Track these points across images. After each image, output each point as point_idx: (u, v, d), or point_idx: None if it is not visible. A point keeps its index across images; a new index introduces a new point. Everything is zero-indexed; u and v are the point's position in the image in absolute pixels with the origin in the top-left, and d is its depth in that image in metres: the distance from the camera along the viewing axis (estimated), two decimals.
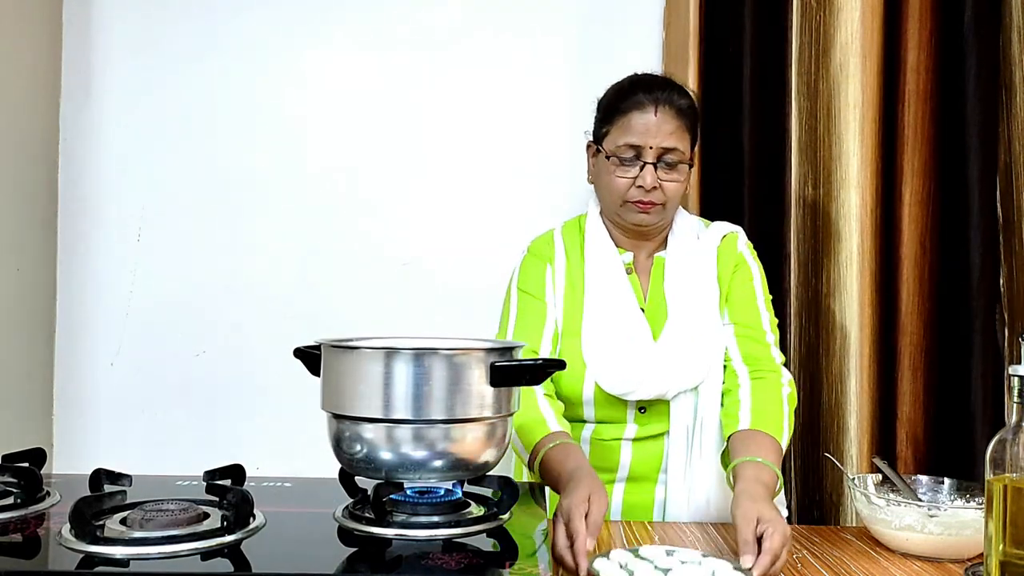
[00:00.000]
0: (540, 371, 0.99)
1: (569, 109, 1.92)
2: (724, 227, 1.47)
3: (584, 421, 1.41)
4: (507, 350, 0.99)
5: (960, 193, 1.69)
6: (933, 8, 1.70)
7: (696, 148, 1.44)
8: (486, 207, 1.92)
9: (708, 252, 1.43)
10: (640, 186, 1.34)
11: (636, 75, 1.44)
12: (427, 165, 1.93)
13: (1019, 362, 0.92)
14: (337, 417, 0.98)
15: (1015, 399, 0.91)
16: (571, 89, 1.93)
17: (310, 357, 1.03)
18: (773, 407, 1.32)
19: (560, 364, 0.99)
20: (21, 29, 1.76)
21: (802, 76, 1.73)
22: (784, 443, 1.29)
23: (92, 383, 1.91)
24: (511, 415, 1.02)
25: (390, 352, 0.95)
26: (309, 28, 1.93)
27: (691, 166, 1.40)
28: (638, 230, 1.42)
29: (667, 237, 1.46)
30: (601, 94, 1.45)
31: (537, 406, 1.31)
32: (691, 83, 1.76)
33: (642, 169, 1.34)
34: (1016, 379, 0.91)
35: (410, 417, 0.93)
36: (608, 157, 1.37)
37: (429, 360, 0.94)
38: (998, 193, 1.69)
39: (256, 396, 1.90)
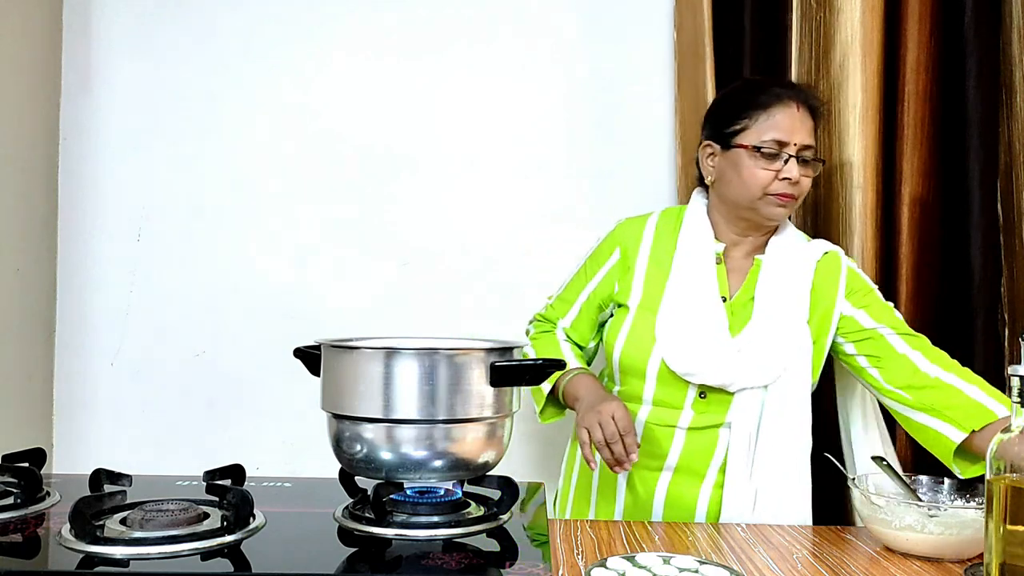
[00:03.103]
0: (540, 371, 0.99)
1: (570, 109, 1.92)
2: (826, 244, 1.49)
3: (641, 401, 1.42)
4: (507, 350, 1.00)
5: (960, 193, 1.69)
6: (933, 8, 1.70)
7: None
8: (486, 207, 1.92)
9: (807, 264, 1.45)
10: (786, 178, 1.37)
11: (760, 77, 1.58)
12: (427, 165, 1.92)
13: (1019, 362, 0.92)
14: (337, 417, 0.98)
15: (1015, 399, 0.91)
16: (572, 89, 1.93)
17: (310, 357, 1.03)
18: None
19: (560, 364, 1.00)
20: (21, 29, 1.76)
21: (802, 76, 1.73)
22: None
23: (92, 383, 1.91)
24: (511, 415, 1.02)
25: (390, 352, 0.95)
26: (309, 28, 1.93)
27: (823, 164, 1.46)
28: (768, 224, 1.44)
29: (767, 241, 1.47)
30: (719, 96, 1.51)
31: (559, 348, 1.51)
32: (708, 83, 1.75)
33: (786, 163, 1.37)
34: (1016, 379, 0.91)
35: (410, 417, 0.93)
36: (757, 149, 1.38)
37: (429, 360, 0.94)
38: (998, 193, 1.69)
39: (256, 396, 1.90)
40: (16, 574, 0.79)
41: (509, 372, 0.97)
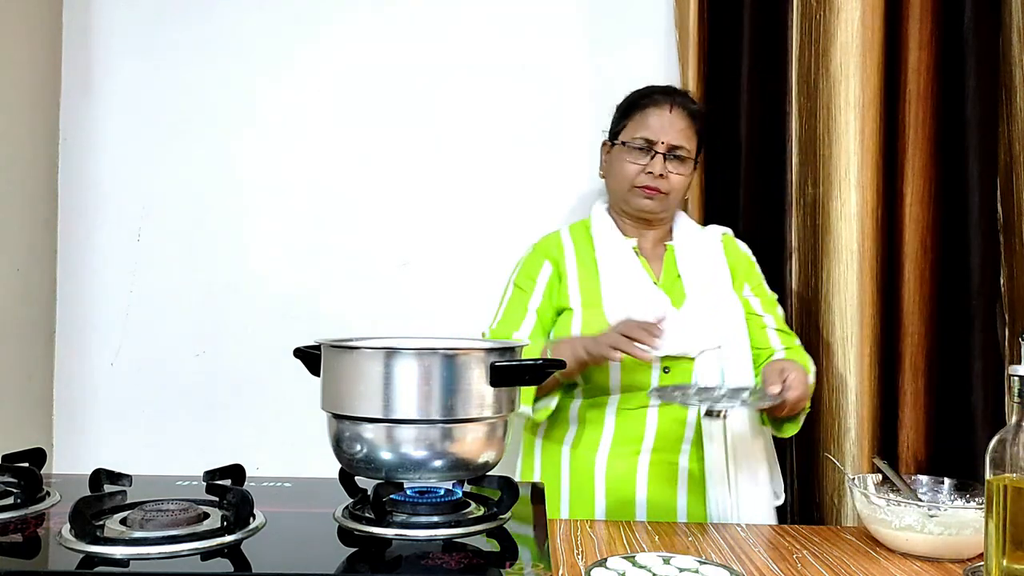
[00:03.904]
0: (540, 371, 0.99)
1: (571, 110, 1.92)
2: (719, 227, 1.64)
3: (608, 393, 1.45)
4: (507, 350, 1.00)
5: (960, 193, 1.69)
6: (933, 8, 1.70)
7: (701, 153, 1.59)
8: (486, 207, 1.92)
9: (714, 242, 1.58)
10: (649, 172, 1.49)
11: (654, 85, 1.63)
12: (427, 165, 1.93)
13: (1019, 362, 0.92)
14: (337, 417, 0.98)
15: (1015, 399, 0.91)
16: (573, 91, 1.93)
17: (310, 357, 1.03)
18: (803, 355, 1.53)
19: (560, 364, 1.00)
20: (21, 29, 1.76)
21: (802, 76, 1.73)
22: (811, 379, 1.45)
23: (92, 383, 1.91)
24: (511, 415, 1.02)
25: (390, 352, 0.95)
26: (308, 28, 1.93)
27: (695, 166, 1.56)
28: (641, 216, 1.54)
29: (671, 229, 1.59)
30: (620, 100, 1.60)
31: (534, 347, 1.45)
32: (691, 84, 1.78)
33: (652, 158, 1.49)
34: (1016, 379, 0.91)
35: (410, 417, 0.93)
36: (624, 144, 1.52)
37: (429, 360, 0.94)
38: (998, 193, 1.69)
39: (256, 396, 1.90)
40: (16, 574, 0.79)
41: (509, 372, 0.97)
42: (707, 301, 1.49)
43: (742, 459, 1.44)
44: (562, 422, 1.49)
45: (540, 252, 1.57)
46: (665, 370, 1.45)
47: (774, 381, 1.29)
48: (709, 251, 1.56)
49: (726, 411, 1.23)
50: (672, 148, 1.49)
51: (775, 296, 1.60)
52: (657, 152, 1.49)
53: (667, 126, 1.50)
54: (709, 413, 1.24)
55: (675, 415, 1.45)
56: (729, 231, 1.64)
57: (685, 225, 1.60)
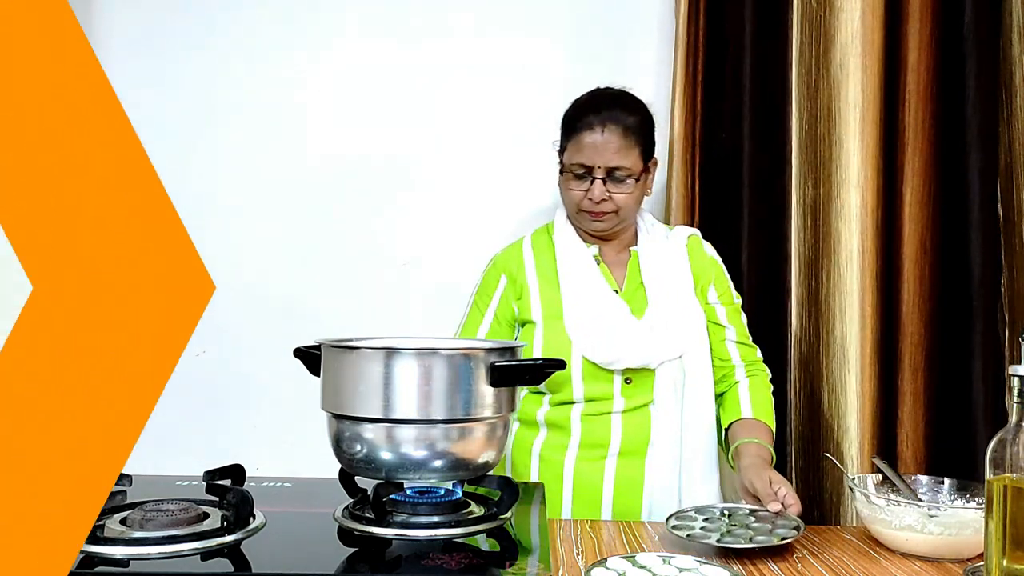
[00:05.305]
0: (540, 371, 1.00)
1: None
2: (686, 229, 1.61)
3: (572, 402, 1.46)
4: (507, 350, 1.00)
5: (960, 193, 1.69)
6: (933, 8, 1.70)
7: (651, 160, 1.53)
8: (486, 207, 1.92)
9: (678, 247, 1.55)
10: (590, 199, 1.46)
11: (592, 91, 1.56)
12: (427, 164, 1.93)
13: (1019, 362, 0.92)
14: (337, 417, 0.98)
15: (1015, 399, 0.91)
16: (574, 91, 1.92)
17: (310, 357, 1.03)
18: (766, 399, 1.51)
19: (560, 364, 1.00)
20: None
21: (802, 76, 1.73)
22: (774, 427, 1.48)
23: None
24: (511, 415, 1.02)
25: (390, 352, 0.95)
26: (308, 29, 1.93)
27: (643, 174, 1.49)
28: (595, 235, 1.53)
29: (635, 234, 1.56)
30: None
31: None
32: (688, 85, 1.78)
33: (592, 183, 1.46)
34: (1016, 379, 0.91)
35: (410, 417, 0.93)
36: (563, 171, 1.50)
37: (429, 360, 0.94)
38: (998, 193, 1.69)
39: (256, 396, 1.90)
40: None
41: (509, 372, 0.97)
42: (669, 309, 1.47)
43: (696, 461, 1.46)
44: (532, 426, 1.50)
45: (498, 267, 1.56)
46: (627, 381, 1.45)
47: (770, 497, 1.25)
48: (673, 256, 1.53)
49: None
50: (610, 171, 1.44)
51: (740, 303, 1.57)
52: (595, 177, 1.44)
53: (601, 149, 1.44)
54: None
55: (639, 420, 1.45)
56: (697, 232, 1.59)
57: (650, 229, 1.56)
